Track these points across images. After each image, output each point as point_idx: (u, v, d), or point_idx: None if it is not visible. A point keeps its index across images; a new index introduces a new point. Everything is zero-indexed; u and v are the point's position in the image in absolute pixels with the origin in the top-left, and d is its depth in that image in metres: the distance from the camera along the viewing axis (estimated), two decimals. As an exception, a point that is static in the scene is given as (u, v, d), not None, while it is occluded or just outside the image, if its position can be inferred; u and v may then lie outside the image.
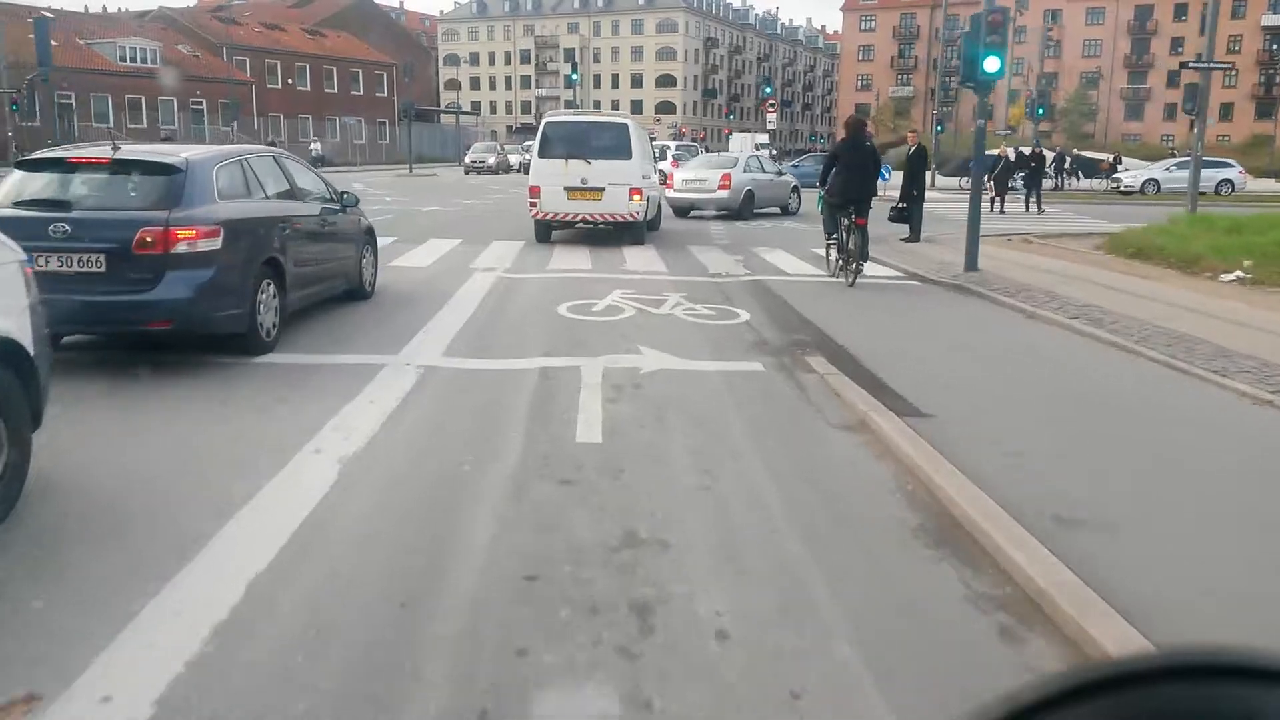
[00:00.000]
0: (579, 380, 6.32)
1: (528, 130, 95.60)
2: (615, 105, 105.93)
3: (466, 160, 47.34)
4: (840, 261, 11.38)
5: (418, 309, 8.91)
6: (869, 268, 11.87)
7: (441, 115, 78.83)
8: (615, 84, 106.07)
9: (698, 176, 20.81)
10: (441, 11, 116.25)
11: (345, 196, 8.70)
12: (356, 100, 67.64)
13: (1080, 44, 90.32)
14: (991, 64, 11.23)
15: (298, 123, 62.25)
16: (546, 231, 15.28)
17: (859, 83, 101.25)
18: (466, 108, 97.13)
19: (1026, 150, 25.19)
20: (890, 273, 12.35)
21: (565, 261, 12.82)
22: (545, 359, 6.98)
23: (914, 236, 15.67)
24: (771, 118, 44.81)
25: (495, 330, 8.17)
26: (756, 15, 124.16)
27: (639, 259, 13.22)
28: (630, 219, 14.59)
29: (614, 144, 14.37)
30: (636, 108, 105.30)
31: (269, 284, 6.89)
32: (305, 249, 7.74)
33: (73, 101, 48.54)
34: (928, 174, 22.88)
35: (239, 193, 6.89)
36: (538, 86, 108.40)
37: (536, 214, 14.77)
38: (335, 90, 66.72)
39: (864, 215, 11.00)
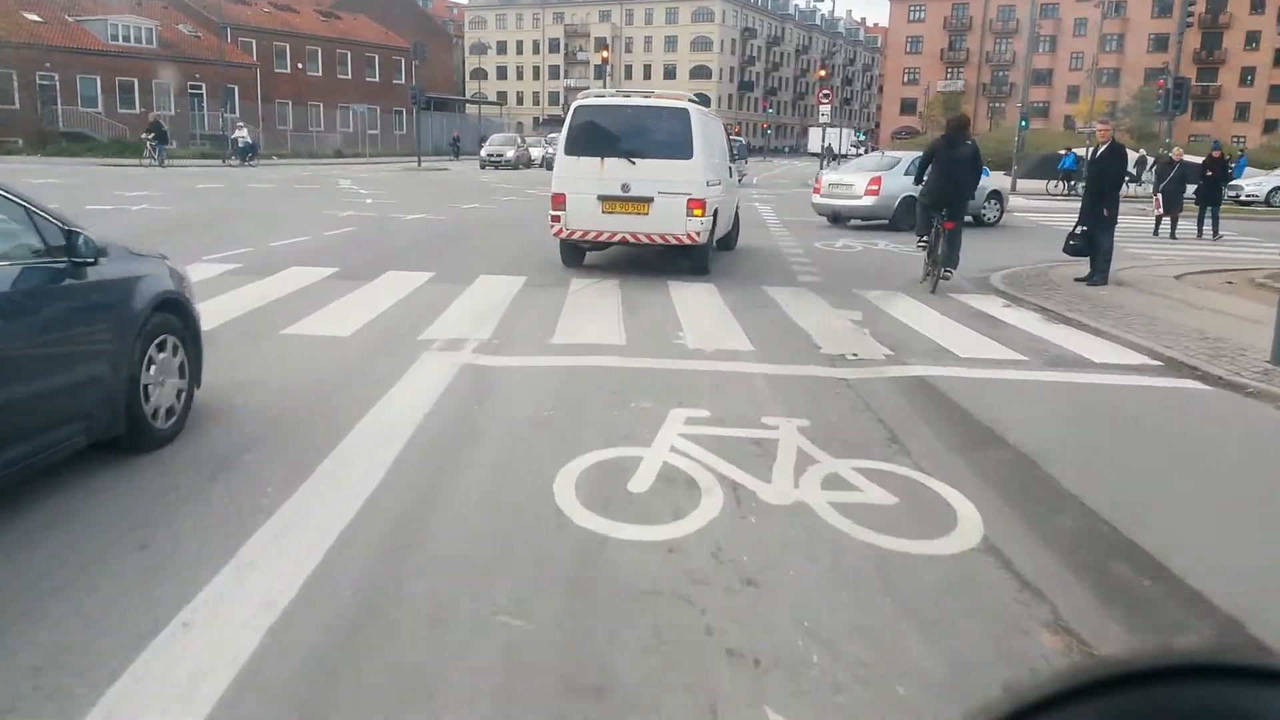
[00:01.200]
0: None
1: (555, 122, 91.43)
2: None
3: (482, 153, 42.61)
4: (929, 266, 10.53)
5: (227, 502, 4.08)
6: (1101, 353, 7.08)
7: (463, 105, 74.51)
8: (648, 75, 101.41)
9: (842, 180, 18.82)
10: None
11: (79, 243, 3.88)
12: (371, 87, 63.20)
13: (1145, 39, 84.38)
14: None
15: (307, 110, 58.07)
16: (575, 255, 11.24)
17: (905, 76, 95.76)
18: (492, 98, 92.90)
19: (1169, 154, 19.94)
20: (1127, 357, 7.36)
21: (582, 321, 7.98)
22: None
23: (1098, 277, 10.69)
24: (825, 109, 39.71)
25: (384, 622, 3.29)
26: (796, 6, 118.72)
27: (701, 316, 8.37)
28: (689, 241, 10.31)
29: (669, 138, 10.22)
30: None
31: None
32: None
33: (55, 83, 44.38)
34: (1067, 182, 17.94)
35: None
36: (566, 76, 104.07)
37: (559, 232, 10.60)
38: (349, 76, 62.34)
39: (956, 219, 10.30)
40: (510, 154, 42.30)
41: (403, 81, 64.92)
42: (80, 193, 20.44)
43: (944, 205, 10.13)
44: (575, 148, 10.47)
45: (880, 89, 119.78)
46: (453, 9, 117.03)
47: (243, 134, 38.25)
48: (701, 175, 10.28)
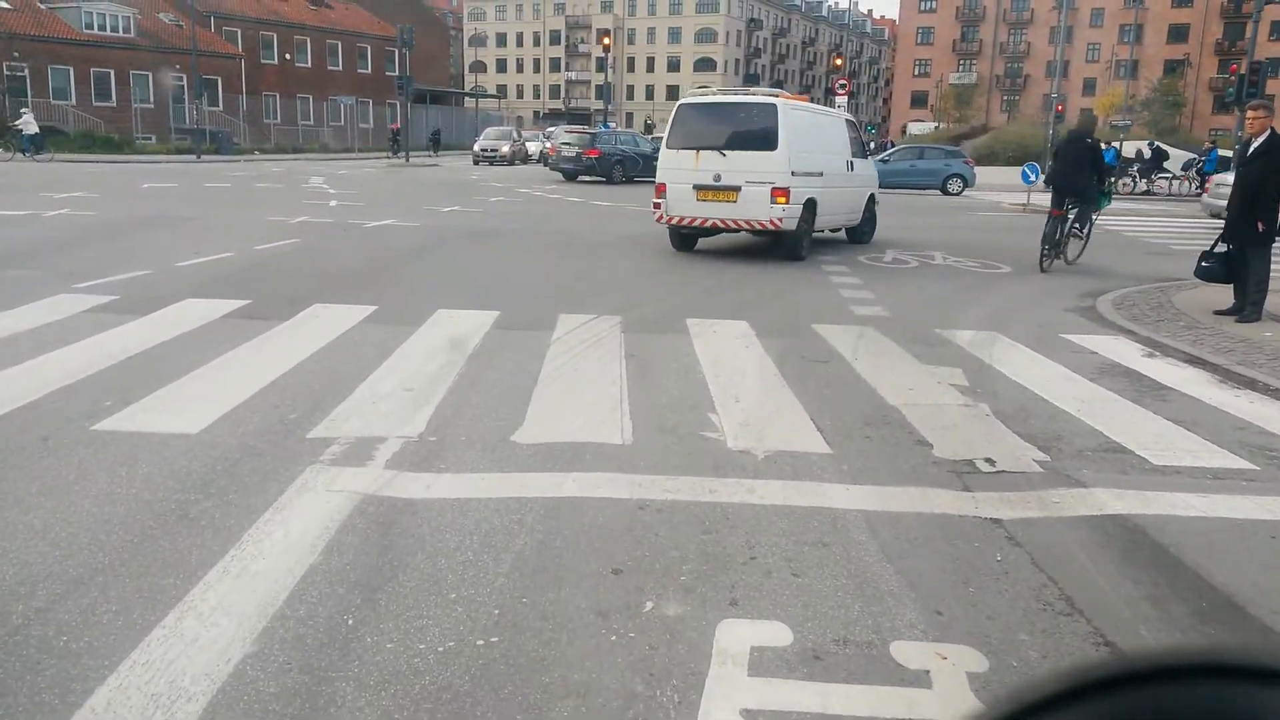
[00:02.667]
0: None
1: (555, 116, 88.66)
2: (649, 90, 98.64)
3: (475, 148, 39.93)
4: (1045, 248, 11.39)
5: None
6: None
7: (461, 98, 71.80)
8: (650, 67, 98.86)
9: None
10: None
11: None
12: (363, 79, 60.64)
13: (1165, 29, 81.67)
14: None
15: (296, 103, 55.48)
16: (685, 242, 12.41)
17: (916, 68, 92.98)
18: (492, 91, 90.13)
19: None
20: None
21: (566, 394, 5.42)
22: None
23: (1251, 311, 8.14)
24: (842, 100, 37.04)
25: None
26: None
27: (739, 379, 5.81)
28: (772, 226, 11.15)
29: (757, 131, 11.04)
30: (673, 93, 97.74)
31: None
32: None
33: (25, 74, 41.79)
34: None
35: None
36: (568, 70, 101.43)
37: (660, 218, 11.79)
38: (339, 68, 59.75)
39: (1059, 207, 11.37)
40: (505, 148, 39.64)
41: (397, 74, 62.33)
42: (1, 192, 17.94)
43: (1062, 194, 11.42)
44: (675, 142, 11.50)
45: (888, 82, 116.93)
46: (452, 0, 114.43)
47: (28, 121, 33.14)
48: (785, 166, 10.92)
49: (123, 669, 2.57)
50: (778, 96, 11.44)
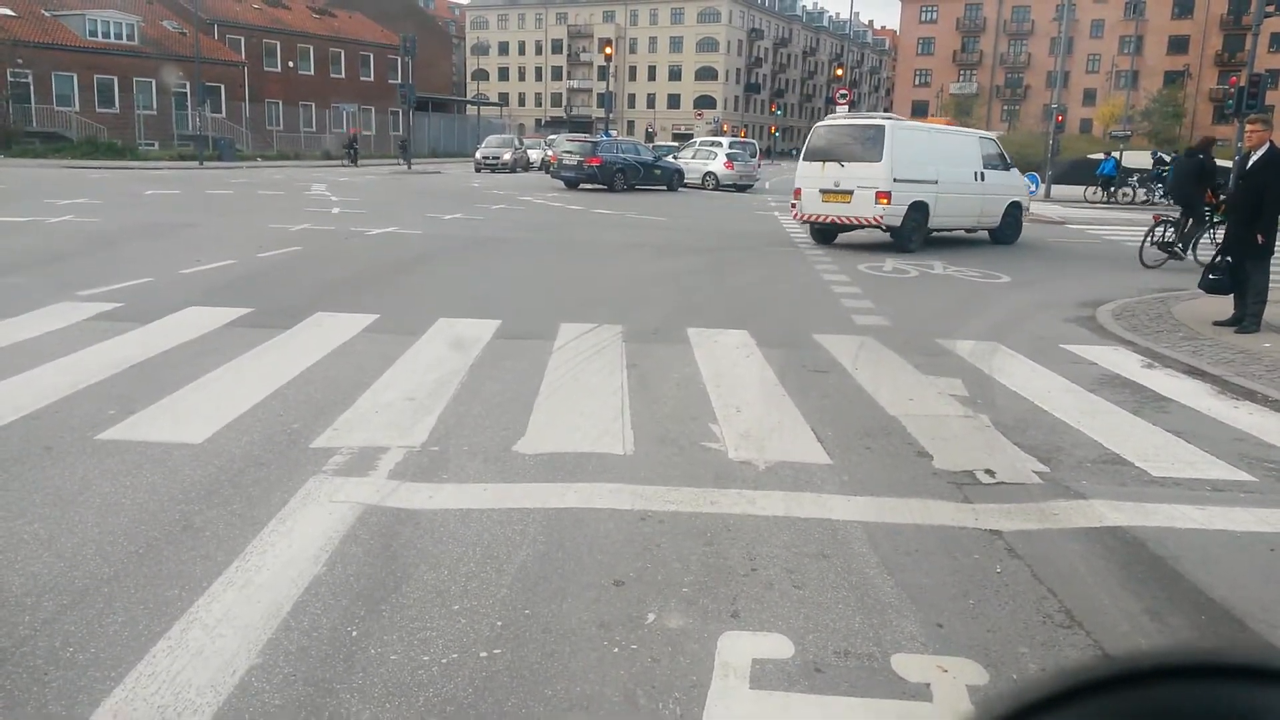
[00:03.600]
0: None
1: (557, 124, 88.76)
2: (651, 99, 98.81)
3: (477, 156, 39.99)
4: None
5: None
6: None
7: (462, 106, 71.97)
8: (652, 76, 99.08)
9: None
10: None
11: None
12: (366, 87, 60.81)
13: (1165, 40, 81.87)
14: None
15: (299, 110, 55.67)
16: (825, 236, 15.11)
17: (917, 78, 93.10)
18: (494, 99, 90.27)
19: None
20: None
21: (567, 405, 5.44)
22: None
23: (1250, 322, 8.17)
24: (843, 111, 37.11)
25: None
26: (803, 7, 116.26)
27: (740, 390, 5.82)
28: (876, 222, 13.81)
29: (868, 146, 13.77)
30: (674, 101, 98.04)
31: None
32: None
33: (29, 80, 41.92)
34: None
35: None
36: (570, 78, 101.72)
37: (796, 215, 14.81)
38: (342, 75, 59.91)
39: (1187, 216, 13.37)
40: (507, 156, 39.73)
41: (400, 82, 62.47)
42: (3, 199, 17.99)
43: (1178, 205, 13.73)
44: (809, 155, 14.38)
45: (889, 91, 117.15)
46: (454, 9, 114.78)
47: None
48: (888, 174, 13.41)
49: (129, 680, 2.58)
50: (890, 119, 14.14)
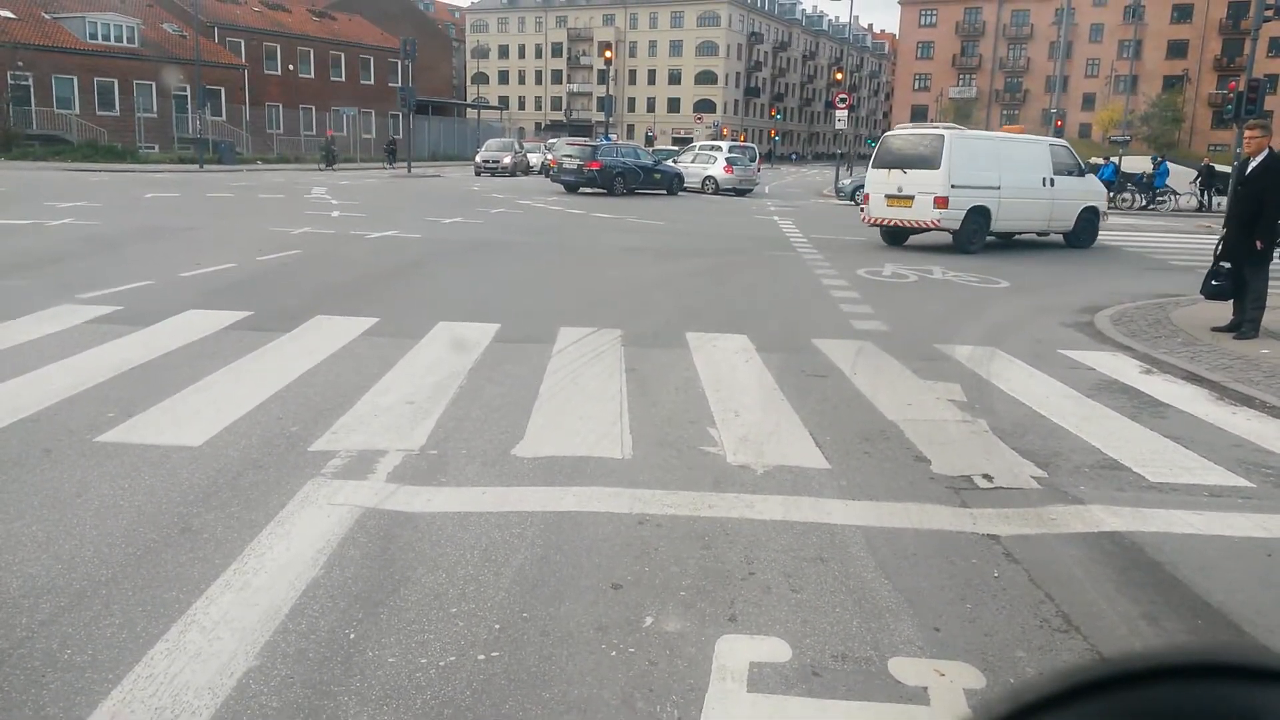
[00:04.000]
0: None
1: (557, 128, 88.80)
2: (650, 103, 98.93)
3: (477, 159, 40.08)
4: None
5: None
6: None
7: (462, 110, 72.04)
8: (652, 80, 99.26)
9: None
10: (472, 1, 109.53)
11: None
12: (366, 90, 60.84)
13: (1164, 45, 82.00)
14: None
15: (299, 113, 55.70)
16: (893, 237, 16.05)
17: (916, 82, 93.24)
18: (494, 103, 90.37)
19: None
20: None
21: (566, 409, 5.45)
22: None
23: (1249, 328, 8.18)
24: (842, 114, 37.21)
25: None
26: (803, 11, 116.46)
27: (738, 394, 5.83)
28: (933, 225, 14.80)
29: (928, 155, 14.70)
30: (674, 105, 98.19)
31: None
32: None
33: (30, 83, 41.95)
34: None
35: None
36: (570, 81, 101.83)
37: (865, 218, 15.77)
38: (343, 79, 59.99)
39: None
40: (507, 160, 39.79)
41: (400, 85, 62.51)
42: (4, 201, 17.99)
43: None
44: (877, 163, 15.51)
45: (888, 95, 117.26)
46: (454, 12, 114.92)
47: None
48: (946, 180, 14.38)
49: (127, 683, 2.59)
50: (950, 129, 15.16)
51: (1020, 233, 16.32)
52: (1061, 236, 16.61)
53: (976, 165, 14.82)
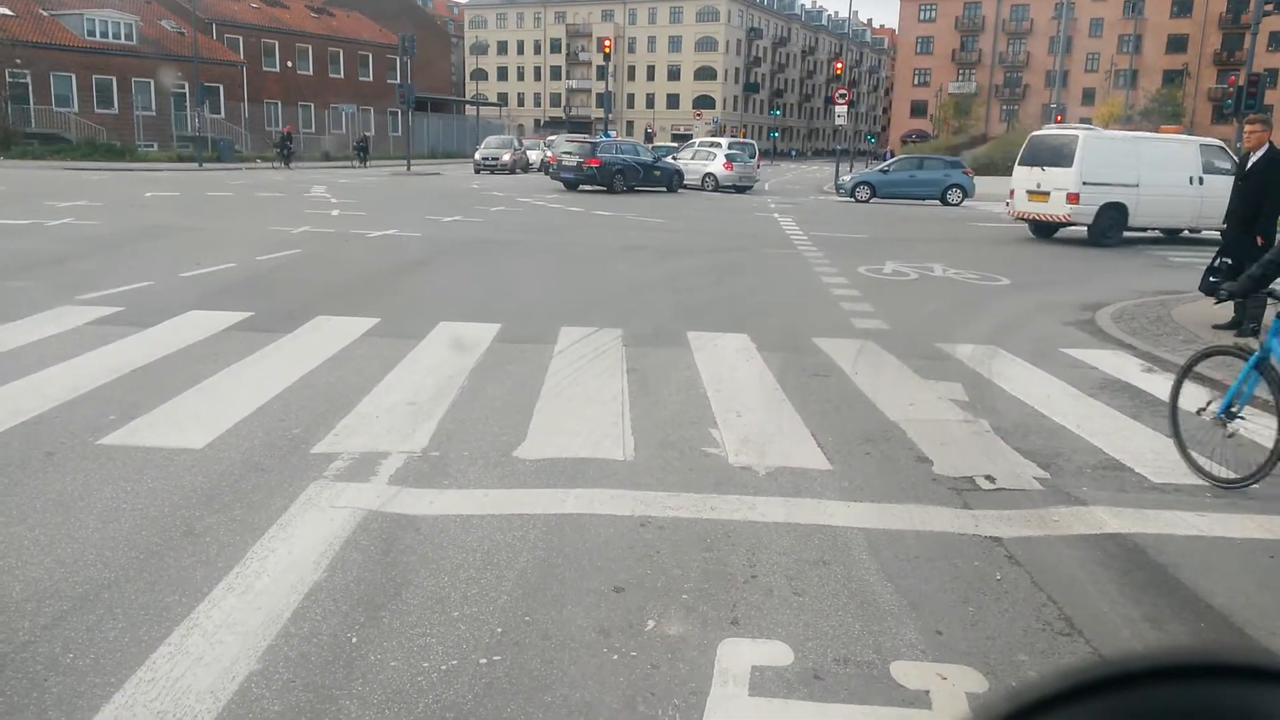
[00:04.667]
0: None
1: (556, 124, 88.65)
2: (650, 99, 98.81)
3: (476, 157, 40.03)
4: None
5: None
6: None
7: (461, 106, 71.95)
8: (651, 76, 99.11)
9: None
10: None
11: None
12: (364, 87, 60.82)
13: (1164, 39, 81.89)
14: None
15: (297, 110, 55.65)
16: (1042, 230, 17.14)
17: (916, 78, 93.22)
18: (492, 99, 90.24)
19: None
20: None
21: (568, 410, 5.45)
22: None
23: (1251, 326, 8.17)
24: (841, 111, 37.17)
25: None
26: (802, 6, 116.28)
27: (740, 394, 5.83)
28: (1064, 219, 15.94)
29: (1063, 153, 15.79)
30: (673, 101, 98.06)
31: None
32: None
33: (28, 80, 41.91)
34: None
35: None
36: (569, 78, 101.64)
37: (1009, 212, 17.16)
38: (341, 75, 59.92)
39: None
40: (507, 157, 39.76)
41: (398, 82, 62.39)
42: (2, 201, 17.97)
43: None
44: (1022, 161, 16.70)
45: (888, 91, 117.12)
46: (453, 8, 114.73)
47: None
48: (1078, 178, 15.47)
49: (129, 686, 2.59)
50: (1087, 129, 16.51)
51: (1164, 229, 17.08)
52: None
53: (1112, 163, 15.71)
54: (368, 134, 46.92)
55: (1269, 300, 4.72)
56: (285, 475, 4.22)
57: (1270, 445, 4.34)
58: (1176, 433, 4.82)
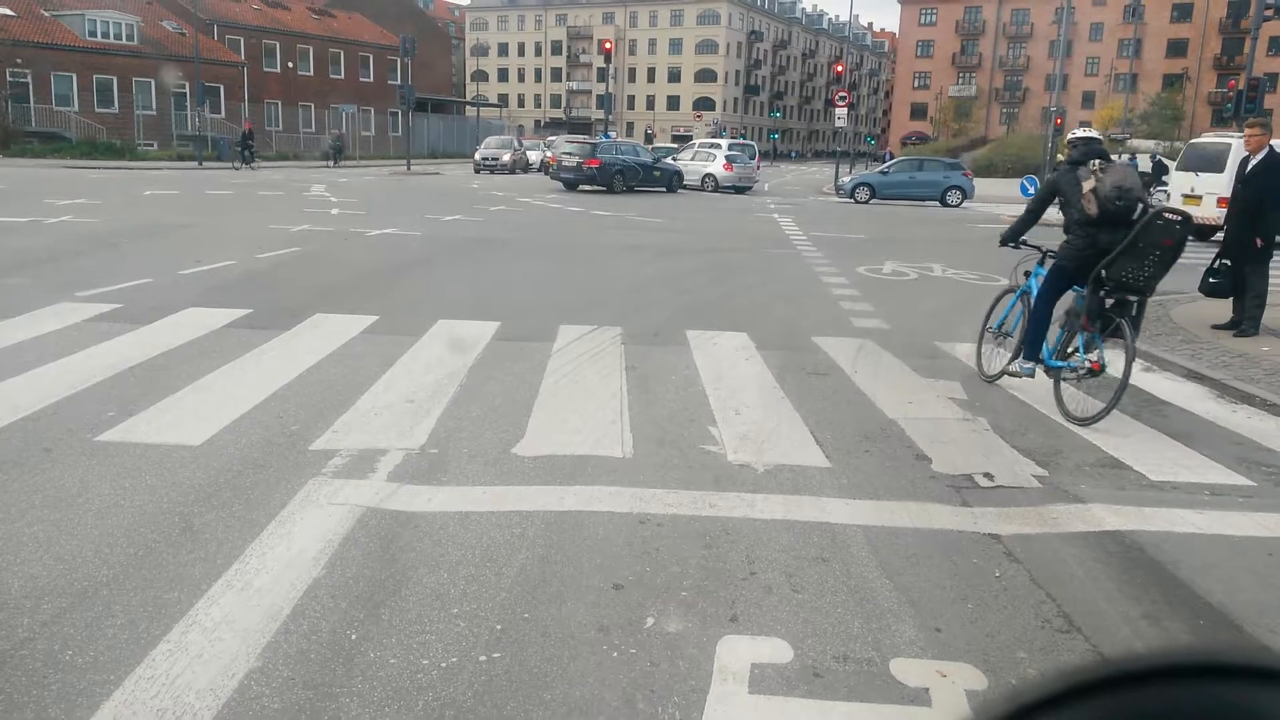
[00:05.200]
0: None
1: (556, 125, 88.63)
2: (650, 101, 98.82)
3: (476, 157, 40.07)
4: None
5: None
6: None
7: (462, 107, 71.97)
8: (651, 78, 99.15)
9: None
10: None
11: None
12: (365, 88, 60.80)
13: (1164, 44, 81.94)
14: None
15: (298, 111, 55.71)
16: (1195, 233, 16.98)
17: (916, 81, 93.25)
18: (493, 100, 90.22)
19: None
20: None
21: (567, 407, 5.45)
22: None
23: (1249, 326, 8.19)
24: (841, 113, 37.18)
25: None
26: (803, 9, 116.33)
27: (739, 392, 5.82)
28: (1215, 223, 15.64)
29: (1215, 159, 16.56)
30: (673, 103, 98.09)
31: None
32: None
33: (29, 80, 41.90)
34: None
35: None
36: (569, 80, 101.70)
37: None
38: (342, 76, 59.96)
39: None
40: (506, 157, 39.77)
41: (399, 82, 62.36)
42: (2, 199, 17.96)
43: None
44: (1180, 166, 17.85)
45: (888, 94, 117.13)
46: (454, 10, 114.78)
47: None
48: (1229, 182, 15.16)
49: (128, 684, 2.58)
50: (1239, 137, 16.15)
51: None
52: None
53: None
54: (338, 131, 46.64)
55: (1071, 290, 5.89)
56: (284, 472, 4.22)
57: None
58: (980, 338, 6.70)
